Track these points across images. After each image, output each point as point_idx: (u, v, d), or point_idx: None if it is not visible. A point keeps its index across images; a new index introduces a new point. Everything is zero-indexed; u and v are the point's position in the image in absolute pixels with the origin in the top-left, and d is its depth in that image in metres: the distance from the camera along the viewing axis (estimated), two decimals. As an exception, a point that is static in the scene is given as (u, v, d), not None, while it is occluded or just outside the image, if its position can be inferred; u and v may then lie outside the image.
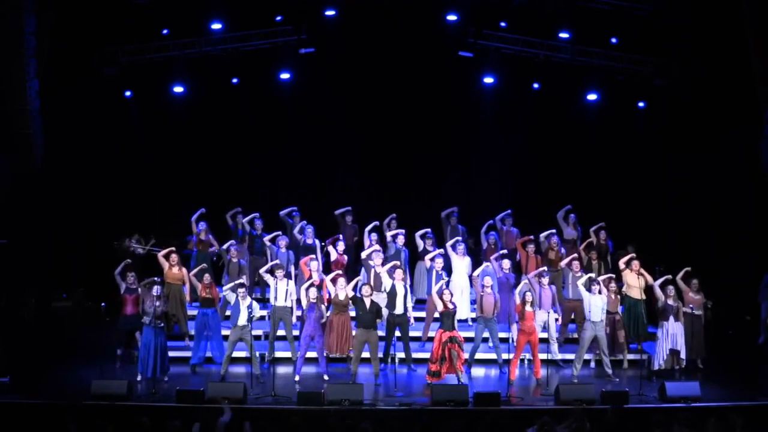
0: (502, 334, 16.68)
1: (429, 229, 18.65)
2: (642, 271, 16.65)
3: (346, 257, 18.06)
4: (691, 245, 19.62)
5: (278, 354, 16.83)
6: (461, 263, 17.98)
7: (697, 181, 19.96)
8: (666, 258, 19.60)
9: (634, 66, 20.48)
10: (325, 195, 21.72)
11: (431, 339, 16.38)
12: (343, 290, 16.22)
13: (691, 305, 16.42)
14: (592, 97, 20.90)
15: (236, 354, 16.23)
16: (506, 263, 17.43)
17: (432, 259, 17.38)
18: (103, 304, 17.06)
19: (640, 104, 21.17)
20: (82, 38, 19.19)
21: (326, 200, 21.21)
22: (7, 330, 16.67)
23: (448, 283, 16.72)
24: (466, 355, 16.02)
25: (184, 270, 17.26)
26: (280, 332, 16.85)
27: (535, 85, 21.44)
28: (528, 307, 15.84)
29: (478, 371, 16.71)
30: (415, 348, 16.92)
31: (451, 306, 15.72)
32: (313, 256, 17.82)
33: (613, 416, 12.77)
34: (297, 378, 16.03)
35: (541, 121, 21.69)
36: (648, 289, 16.67)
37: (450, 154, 22.11)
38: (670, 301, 16.10)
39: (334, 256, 17.94)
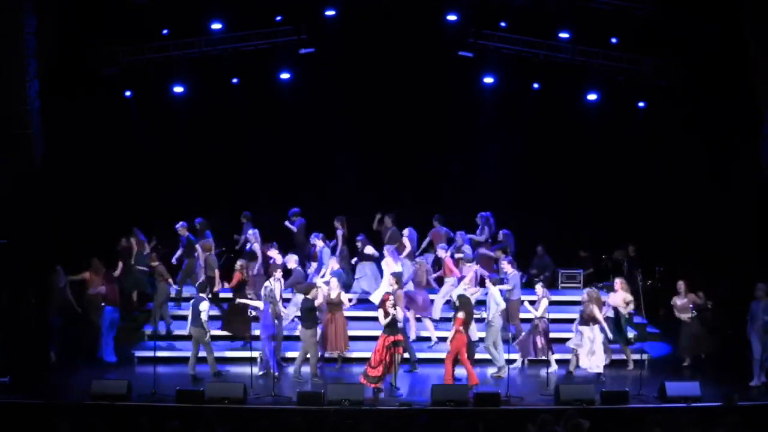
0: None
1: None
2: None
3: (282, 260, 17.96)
4: (691, 245, 19.62)
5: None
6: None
7: (697, 181, 19.94)
8: (666, 258, 19.65)
9: (634, 66, 20.48)
10: (325, 195, 21.72)
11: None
12: (336, 290, 16.37)
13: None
14: (592, 97, 20.88)
15: (237, 354, 16.29)
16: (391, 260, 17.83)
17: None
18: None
19: (640, 104, 21.16)
20: (82, 38, 19.19)
21: (326, 200, 21.23)
22: (7, 330, 16.67)
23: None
24: (406, 355, 16.19)
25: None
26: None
27: (535, 85, 21.43)
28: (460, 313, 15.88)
29: (476, 371, 16.66)
30: (422, 348, 17.20)
31: (392, 312, 15.67)
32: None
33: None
34: (275, 374, 15.98)
35: (541, 121, 21.69)
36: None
37: (450, 154, 22.12)
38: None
39: (279, 260, 17.86)
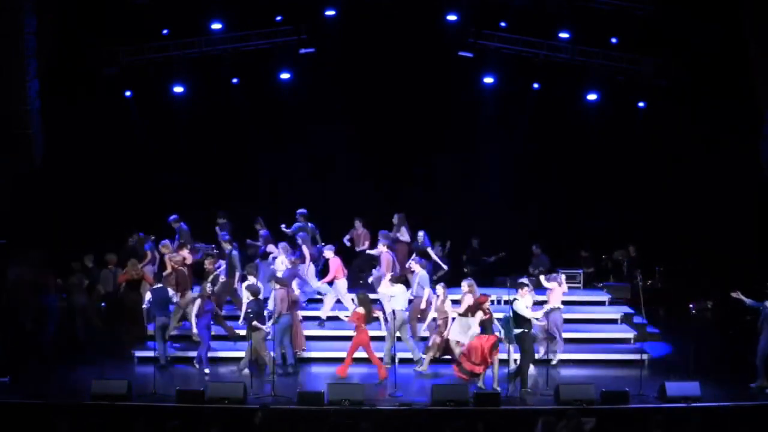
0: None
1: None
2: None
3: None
4: (691, 245, 19.63)
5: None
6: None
7: (697, 181, 19.96)
8: (666, 258, 19.66)
9: (634, 66, 20.50)
10: (325, 195, 21.72)
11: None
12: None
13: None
14: (592, 97, 20.91)
15: (237, 354, 16.32)
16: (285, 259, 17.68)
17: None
18: (102, 304, 17.06)
19: (640, 104, 21.18)
20: (82, 38, 19.22)
21: (326, 200, 21.24)
22: (7, 330, 16.68)
23: None
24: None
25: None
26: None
27: (535, 85, 21.46)
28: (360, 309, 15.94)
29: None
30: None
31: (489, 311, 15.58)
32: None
33: None
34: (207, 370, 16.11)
35: (541, 121, 21.70)
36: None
37: (450, 154, 22.12)
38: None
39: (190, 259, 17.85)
